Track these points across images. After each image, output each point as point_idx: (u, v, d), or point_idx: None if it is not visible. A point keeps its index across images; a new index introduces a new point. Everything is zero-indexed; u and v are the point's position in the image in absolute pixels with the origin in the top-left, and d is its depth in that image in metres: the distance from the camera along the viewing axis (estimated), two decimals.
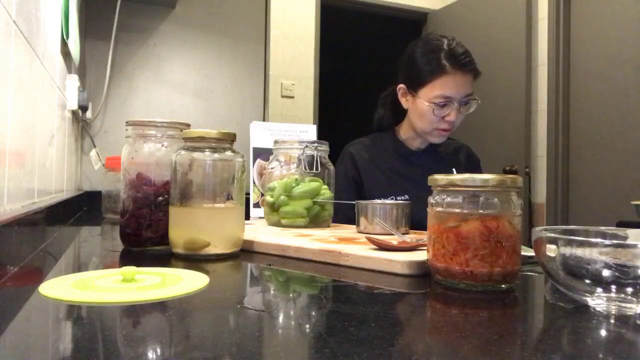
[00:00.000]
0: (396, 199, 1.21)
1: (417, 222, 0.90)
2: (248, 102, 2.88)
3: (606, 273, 0.42)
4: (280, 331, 0.40)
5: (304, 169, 1.03)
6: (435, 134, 1.24)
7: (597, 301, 0.43)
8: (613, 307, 0.43)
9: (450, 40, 1.21)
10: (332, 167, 1.08)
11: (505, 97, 2.97)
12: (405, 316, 0.45)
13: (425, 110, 1.20)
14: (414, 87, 1.23)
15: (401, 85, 1.28)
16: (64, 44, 1.48)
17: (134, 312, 0.43)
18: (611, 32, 2.57)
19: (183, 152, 0.72)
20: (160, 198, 0.76)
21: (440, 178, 0.56)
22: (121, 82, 2.57)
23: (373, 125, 1.42)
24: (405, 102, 1.28)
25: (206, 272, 0.59)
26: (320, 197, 1.01)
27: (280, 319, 0.43)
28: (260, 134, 1.28)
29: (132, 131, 0.77)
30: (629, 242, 0.52)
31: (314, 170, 1.03)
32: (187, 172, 0.71)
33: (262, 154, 1.26)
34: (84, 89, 2.02)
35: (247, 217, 0.95)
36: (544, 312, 0.50)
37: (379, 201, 0.95)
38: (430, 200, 0.57)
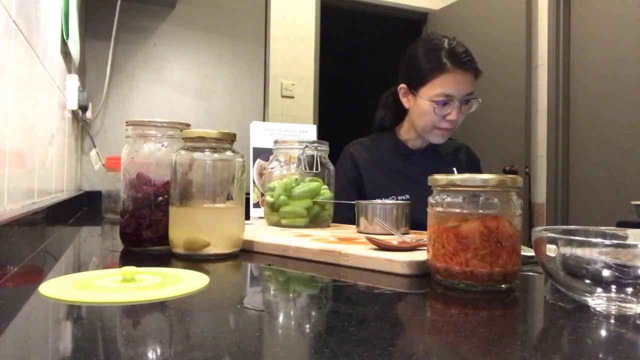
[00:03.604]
0: (397, 199, 1.21)
1: (417, 222, 0.90)
2: (248, 102, 2.88)
3: (606, 273, 0.42)
4: (280, 331, 0.40)
5: (304, 169, 1.03)
6: (436, 133, 1.24)
7: (597, 301, 0.43)
8: (613, 307, 0.43)
9: (451, 40, 1.21)
10: (332, 167, 1.08)
11: (505, 97, 2.97)
12: (405, 316, 0.45)
13: (427, 109, 1.21)
14: (415, 86, 1.24)
15: (402, 85, 1.28)
16: (64, 44, 1.48)
17: (134, 312, 0.43)
18: (611, 32, 2.57)
19: (183, 152, 0.72)
20: (160, 198, 0.76)
21: (440, 178, 0.56)
22: (121, 82, 2.57)
23: (374, 126, 1.42)
24: (406, 102, 1.29)
25: (206, 272, 0.59)
26: (320, 197, 1.01)
27: (280, 319, 0.43)
28: (260, 134, 1.28)
29: (132, 131, 0.77)
30: (629, 242, 0.52)
31: (314, 170, 1.03)
32: (187, 172, 0.71)
33: (262, 154, 1.26)
34: (84, 89, 2.02)
35: (247, 217, 0.95)
36: (544, 312, 0.50)
37: (379, 201, 0.95)
38: (430, 200, 0.57)
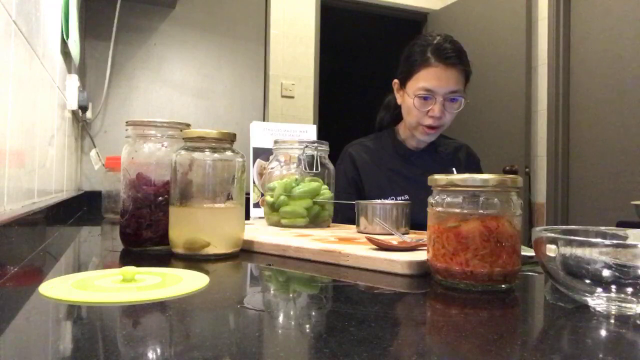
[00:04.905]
0: (396, 199, 1.21)
1: (417, 222, 0.90)
2: (248, 102, 2.88)
3: (606, 273, 0.42)
4: (280, 331, 0.40)
5: (304, 169, 1.03)
6: (421, 130, 1.24)
7: (597, 301, 0.43)
8: (613, 307, 0.43)
9: (443, 37, 1.21)
10: (332, 167, 1.08)
11: (505, 97, 2.97)
12: (406, 316, 0.45)
13: (410, 104, 1.21)
14: (404, 81, 1.26)
15: (395, 80, 1.30)
16: (64, 44, 1.48)
17: (134, 312, 0.43)
18: (611, 32, 2.57)
19: (183, 152, 0.72)
20: (160, 198, 0.75)
21: (440, 178, 0.56)
22: (121, 82, 2.57)
23: (375, 127, 1.43)
24: (399, 97, 1.30)
25: (206, 272, 0.59)
26: (320, 197, 1.00)
27: (280, 319, 0.43)
28: (260, 134, 1.28)
29: (132, 131, 0.77)
30: (629, 242, 0.52)
31: (314, 170, 1.03)
32: (187, 172, 0.71)
33: (262, 154, 1.26)
34: (84, 89, 2.02)
35: (247, 217, 0.95)
36: (544, 312, 0.50)
37: (379, 201, 0.95)
38: (430, 200, 0.57)
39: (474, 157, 1.41)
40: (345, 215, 1.12)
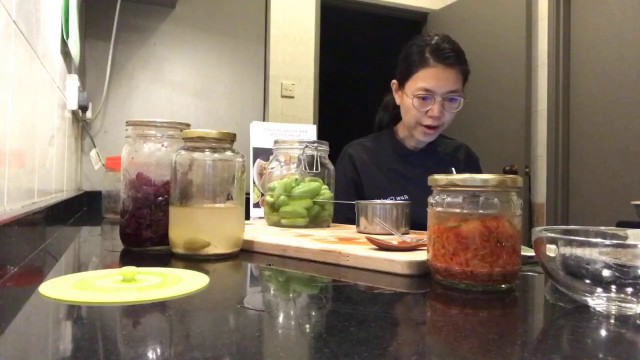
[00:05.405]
0: (395, 199, 1.21)
1: (417, 222, 0.90)
2: (248, 102, 2.88)
3: (606, 273, 0.42)
4: (280, 331, 0.40)
5: (304, 169, 1.03)
6: (420, 130, 1.24)
7: (597, 301, 0.43)
8: (613, 307, 0.43)
9: (441, 37, 1.22)
10: (332, 167, 1.08)
11: (505, 97, 2.97)
12: (406, 316, 0.45)
13: (409, 104, 1.21)
14: (402, 81, 1.26)
15: (394, 81, 1.31)
16: (64, 44, 1.48)
17: (134, 312, 0.43)
18: (611, 32, 2.57)
19: (183, 152, 0.72)
20: (160, 198, 0.76)
21: (440, 178, 0.56)
22: (121, 82, 2.57)
23: (374, 127, 1.43)
24: (398, 98, 1.30)
25: (206, 272, 0.59)
26: (320, 197, 1.00)
27: (280, 319, 0.43)
28: (260, 134, 1.28)
29: (132, 131, 0.77)
30: (629, 242, 0.51)
31: (314, 170, 1.03)
32: (187, 172, 0.71)
33: (262, 154, 1.26)
34: (84, 89, 2.02)
35: (247, 217, 0.95)
36: (544, 312, 0.50)
37: (379, 201, 0.95)
38: (430, 200, 0.57)
39: (473, 156, 1.41)
40: (345, 215, 1.12)
